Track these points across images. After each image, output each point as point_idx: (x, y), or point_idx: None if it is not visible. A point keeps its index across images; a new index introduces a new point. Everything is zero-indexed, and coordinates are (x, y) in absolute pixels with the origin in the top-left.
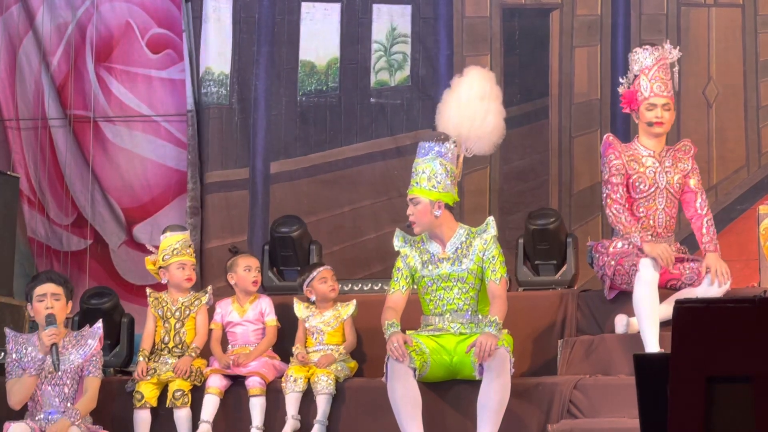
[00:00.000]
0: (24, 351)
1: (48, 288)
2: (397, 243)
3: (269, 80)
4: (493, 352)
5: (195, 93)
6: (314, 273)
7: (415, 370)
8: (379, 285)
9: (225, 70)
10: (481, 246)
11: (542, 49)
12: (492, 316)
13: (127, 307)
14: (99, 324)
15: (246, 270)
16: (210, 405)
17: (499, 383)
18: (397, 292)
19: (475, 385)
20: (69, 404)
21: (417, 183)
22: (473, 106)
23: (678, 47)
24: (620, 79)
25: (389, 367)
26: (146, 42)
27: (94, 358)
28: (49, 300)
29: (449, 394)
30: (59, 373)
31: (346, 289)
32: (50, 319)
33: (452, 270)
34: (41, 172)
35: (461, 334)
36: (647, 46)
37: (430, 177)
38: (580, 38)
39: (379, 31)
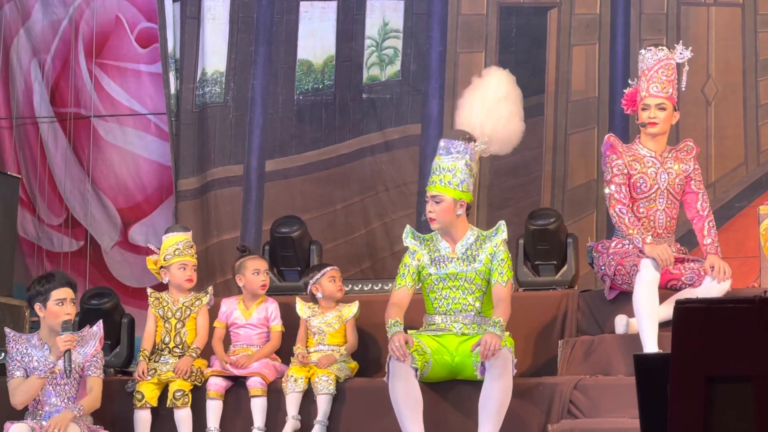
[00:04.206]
0: (24, 351)
1: (68, 293)
2: (406, 239)
3: (266, 79)
4: (497, 351)
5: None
6: (324, 270)
7: (416, 370)
8: (380, 285)
9: (220, 68)
10: (491, 249)
11: (539, 47)
12: (496, 318)
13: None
14: (99, 324)
15: (255, 273)
16: (214, 411)
17: (501, 384)
18: (403, 288)
19: (476, 385)
20: (71, 403)
21: (440, 180)
22: (500, 106)
23: (690, 48)
24: (630, 81)
25: (390, 366)
26: (135, 36)
27: (95, 358)
28: (68, 305)
29: (450, 394)
30: (61, 376)
31: (346, 289)
32: (67, 325)
33: (460, 270)
34: (38, 171)
35: (463, 334)
36: (651, 47)
37: (455, 175)
38: (578, 36)
39: (371, 27)
